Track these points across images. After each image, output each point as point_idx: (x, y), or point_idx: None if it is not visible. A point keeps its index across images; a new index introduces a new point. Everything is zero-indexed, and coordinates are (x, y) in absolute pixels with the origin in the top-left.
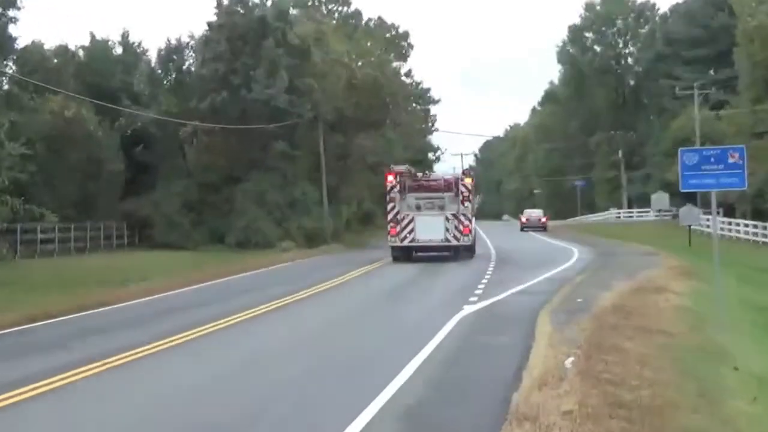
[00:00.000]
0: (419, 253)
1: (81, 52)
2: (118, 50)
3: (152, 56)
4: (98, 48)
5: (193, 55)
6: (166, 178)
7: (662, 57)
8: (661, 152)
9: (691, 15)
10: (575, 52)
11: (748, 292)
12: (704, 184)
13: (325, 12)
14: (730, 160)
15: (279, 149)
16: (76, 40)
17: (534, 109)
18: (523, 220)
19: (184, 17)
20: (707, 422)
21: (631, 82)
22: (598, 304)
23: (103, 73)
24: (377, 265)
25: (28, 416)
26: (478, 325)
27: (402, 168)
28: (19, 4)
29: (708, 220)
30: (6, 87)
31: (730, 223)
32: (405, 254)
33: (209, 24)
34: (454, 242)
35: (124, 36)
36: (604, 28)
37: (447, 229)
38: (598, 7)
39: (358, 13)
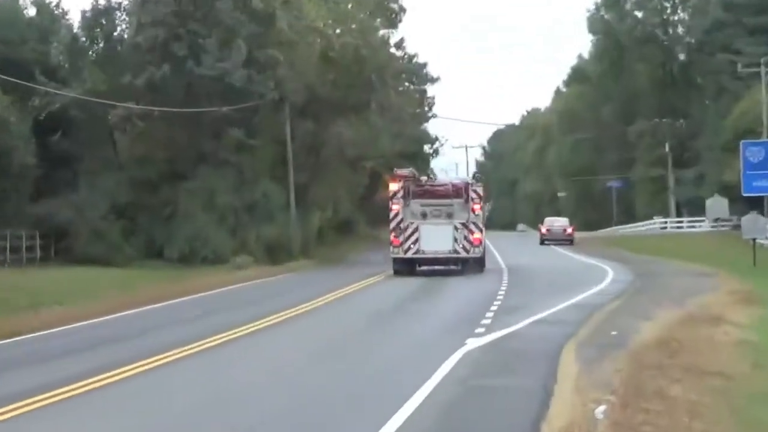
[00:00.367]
0: (423, 267)
1: None
2: (31, 12)
3: (74, 20)
4: (4, 9)
5: (127, 18)
6: (90, 175)
7: (720, 25)
8: (718, 146)
9: None
10: (611, 18)
11: None
12: None
13: None
14: None
15: (234, 138)
16: None
17: (558, 91)
18: (544, 230)
19: None
20: None
21: (681, 57)
22: (638, 338)
23: (10, 41)
24: (358, 286)
25: None
26: (485, 364)
27: (406, 171)
28: None
29: None
30: None
31: None
32: (408, 267)
33: None
34: (463, 254)
35: None
36: None
37: (455, 240)
38: None
39: None
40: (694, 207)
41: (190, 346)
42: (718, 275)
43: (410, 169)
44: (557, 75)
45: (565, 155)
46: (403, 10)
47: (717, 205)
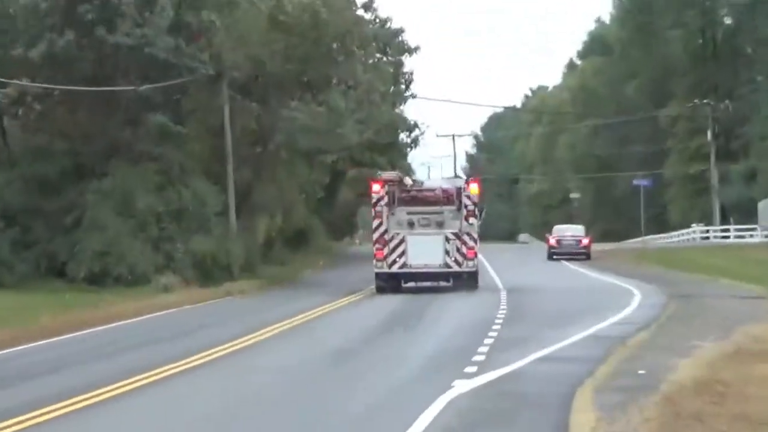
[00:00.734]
0: (410, 283)
1: None
2: None
3: None
4: None
5: None
6: None
7: None
8: None
9: None
10: None
11: None
12: None
13: None
14: None
15: (157, 125)
16: None
17: (571, 64)
18: (552, 242)
19: None
20: None
21: (727, 21)
22: (672, 379)
23: None
24: (316, 314)
25: None
26: (476, 413)
27: (392, 175)
28: None
29: None
30: None
31: None
32: (393, 283)
33: None
34: (456, 268)
35: None
36: None
37: (447, 252)
38: None
39: None
40: (744, 211)
41: (76, 399)
42: None
43: (396, 172)
44: (571, 45)
45: (580, 146)
46: None
47: None
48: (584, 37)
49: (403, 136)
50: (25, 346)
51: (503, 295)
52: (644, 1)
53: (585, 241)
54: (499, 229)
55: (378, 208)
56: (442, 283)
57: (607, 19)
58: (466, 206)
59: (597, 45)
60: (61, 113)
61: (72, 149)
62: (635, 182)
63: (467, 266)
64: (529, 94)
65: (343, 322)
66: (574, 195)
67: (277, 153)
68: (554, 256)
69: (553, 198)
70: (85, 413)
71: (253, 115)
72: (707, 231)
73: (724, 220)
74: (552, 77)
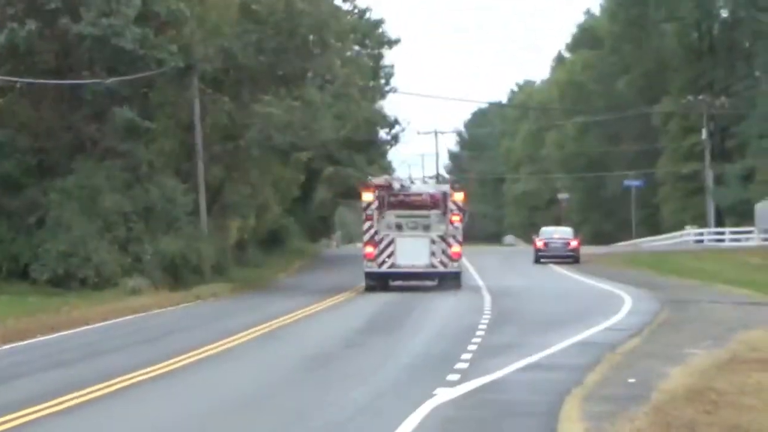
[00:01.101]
0: (397, 282)
1: None
2: None
3: None
4: None
5: None
6: None
7: None
8: None
9: None
10: None
11: None
12: None
13: None
14: None
15: (124, 120)
16: None
17: (559, 58)
18: (540, 244)
19: None
20: None
21: (723, 14)
22: (663, 388)
23: None
24: (292, 318)
25: None
26: (459, 423)
27: (381, 180)
28: None
29: None
30: None
31: None
32: (381, 282)
33: None
34: (441, 268)
35: None
36: None
37: (433, 253)
38: None
39: None
40: (740, 213)
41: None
42: None
43: (385, 177)
44: (559, 38)
45: (569, 144)
46: None
47: None
48: (572, 30)
49: (382, 133)
50: None
51: (488, 299)
52: None
53: (573, 244)
54: (484, 230)
55: (369, 212)
56: (428, 282)
57: (597, 11)
58: (451, 210)
59: (587, 38)
60: (24, 107)
61: (35, 145)
62: (626, 183)
63: (452, 267)
64: (516, 89)
65: (321, 326)
66: (562, 195)
67: (249, 150)
68: (541, 260)
69: (541, 198)
70: (35, 426)
71: (224, 110)
72: (701, 234)
73: (719, 222)
74: (540, 74)
